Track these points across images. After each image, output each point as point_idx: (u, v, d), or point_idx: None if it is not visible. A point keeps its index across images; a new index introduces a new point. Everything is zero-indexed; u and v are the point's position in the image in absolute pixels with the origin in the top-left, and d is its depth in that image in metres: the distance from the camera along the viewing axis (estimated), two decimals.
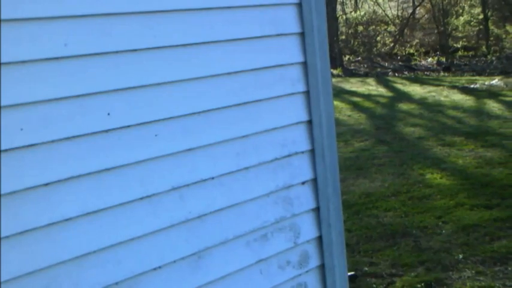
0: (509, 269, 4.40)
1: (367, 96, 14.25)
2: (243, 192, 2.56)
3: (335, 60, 19.97)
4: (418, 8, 25.05)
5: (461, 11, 24.80)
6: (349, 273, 4.10)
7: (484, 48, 22.66)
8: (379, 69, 21.00)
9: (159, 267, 2.31)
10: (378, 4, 25.61)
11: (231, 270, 2.53)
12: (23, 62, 1.93)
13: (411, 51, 23.83)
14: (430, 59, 22.75)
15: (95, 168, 2.11)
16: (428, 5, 24.51)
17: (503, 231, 5.16)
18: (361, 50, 23.65)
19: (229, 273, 2.53)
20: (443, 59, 22.06)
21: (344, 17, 24.83)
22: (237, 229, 2.54)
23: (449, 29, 23.77)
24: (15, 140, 1.92)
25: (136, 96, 2.21)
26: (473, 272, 4.39)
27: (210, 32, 2.42)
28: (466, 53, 22.71)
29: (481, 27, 23.50)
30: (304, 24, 2.70)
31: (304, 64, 2.72)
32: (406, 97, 13.64)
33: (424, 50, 23.69)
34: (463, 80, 16.43)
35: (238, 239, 2.55)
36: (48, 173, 2.00)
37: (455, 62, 21.41)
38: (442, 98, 13.06)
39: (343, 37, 23.71)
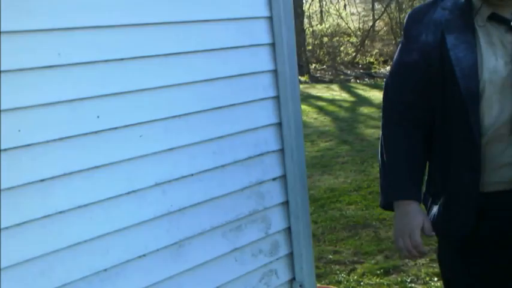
0: None
1: (332, 101, 14.26)
2: (220, 188, 2.58)
3: (302, 68, 19.95)
4: (377, 21, 25.17)
5: None
6: None
7: None
8: (342, 77, 21.06)
9: (144, 255, 2.33)
10: (342, 18, 25.67)
11: (209, 258, 2.56)
12: (21, 69, 1.95)
13: (371, 60, 23.92)
14: (388, 67, 22.90)
15: (85, 165, 2.13)
16: (387, 19, 24.66)
17: None
18: (326, 59, 23.68)
19: (207, 261, 2.55)
20: None
21: (311, 29, 24.86)
22: (214, 221, 2.57)
23: None
24: (14, 140, 1.94)
25: (123, 101, 2.23)
26: (427, 259, 4.43)
27: (190, 43, 2.44)
28: None
29: None
30: (274, 36, 2.73)
31: (275, 72, 2.76)
32: (367, 102, 13.68)
33: (383, 59, 23.77)
34: None
35: (215, 230, 2.58)
36: (43, 170, 2.02)
37: None
38: None
39: (310, 47, 23.71)
